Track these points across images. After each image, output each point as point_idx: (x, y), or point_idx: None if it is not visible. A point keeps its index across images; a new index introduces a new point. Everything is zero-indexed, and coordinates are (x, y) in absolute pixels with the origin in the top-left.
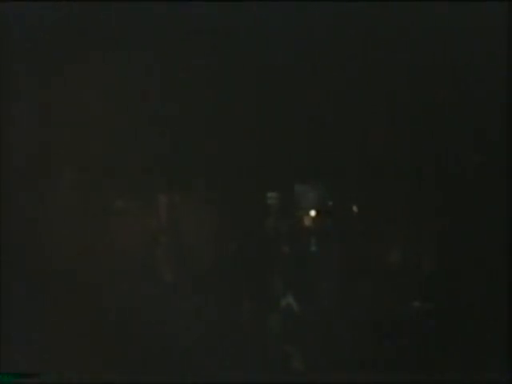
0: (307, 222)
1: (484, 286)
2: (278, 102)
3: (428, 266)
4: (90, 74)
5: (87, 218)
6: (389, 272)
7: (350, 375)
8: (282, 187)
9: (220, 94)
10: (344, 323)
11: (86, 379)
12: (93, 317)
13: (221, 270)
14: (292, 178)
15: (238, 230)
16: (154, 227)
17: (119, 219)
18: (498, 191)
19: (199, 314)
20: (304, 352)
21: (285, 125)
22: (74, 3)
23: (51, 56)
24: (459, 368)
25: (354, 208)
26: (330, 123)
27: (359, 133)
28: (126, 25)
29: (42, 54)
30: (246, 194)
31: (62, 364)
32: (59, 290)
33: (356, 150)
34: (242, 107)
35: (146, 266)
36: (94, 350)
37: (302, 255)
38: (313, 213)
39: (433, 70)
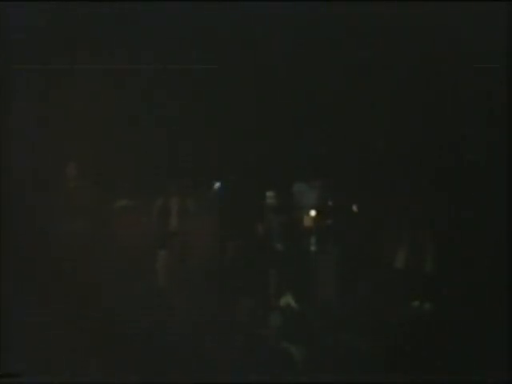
0: (307, 222)
1: (484, 286)
2: (278, 102)
3: (428, 265)
4: (88, 74)
5: (90, 218)
6: (389, 272)
7: (350, 375)
8: (281, 187)
9: (220, 94)
10: (343, 323)
11: (86, 379)
12: (94, 317)
13: (221, 269)
14: (292, 178)
15: (238, 229)
16: (153, 227)
17: (120, 219)
18: (498, 191)
19: (199, 314)
20: (303, 352)
21: (285, 125)
22: (74, 3)
23: (51, 56)
24: (459, 368)
25: (354, 208)
26: (330, 123)
27: (359, 133)
28: (127, 25)
29: (42, 55)
30: (246, 194)
31: (60, 364)
32: (61, 290)
33: (356, 149)
34: (242, 107)
35: (145, 266)
36: (94, 349)
37: (302, 255)
38: (313, 213)
39: (433, 69)
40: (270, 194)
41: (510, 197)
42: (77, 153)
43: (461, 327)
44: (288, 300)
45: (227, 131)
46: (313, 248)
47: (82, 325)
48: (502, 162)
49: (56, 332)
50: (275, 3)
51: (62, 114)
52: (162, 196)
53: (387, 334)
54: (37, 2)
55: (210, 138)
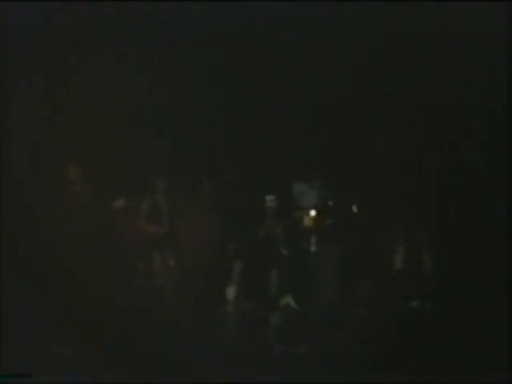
0: (307, 222)
1: (484, 286)
2: (277, 103)
3: (428, 265)
4: (86, 76)
5: (90, 218)
6: (389, 272)
7: (350, 375)
8: (281, 187)
9: (219, 94)
10: (344, 323)
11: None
12: (93, 316)
13: (221, 269)
14: (292, 178)
15: (238, 230)
16: (154, 228)
17: (120, 219)
18: (498, 191)
19: (199, 313)
20: (303, 352)
21: (285, 125)
22: (75, 3)
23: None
24: (459, 368)
25: (354, 208)
26: (330, 123)
27: (359, 133)
28: (127, 25)
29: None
30: (246, 194)
31: (61, 364)
32: (61, 290)
33: (356, 149)
34: (242, 108)
35: (145, 266)
36: (94, 350)
37: (302, 255)
38: (313, 213)
39: (433, 69)
40: (269, 194)
41: (510, 197)
42: (75, 153)
43: (461, 327)
44: (288, 300)
45: (229, 131)
46: (312, 248)
47: (82, 325)
48: (502, 162)
49: (56, 333)
50: (279, 3)
51: (61, 114)
52: (162, 196)
53: (387, 334)
54: (37, 2)
55: (211, 137)
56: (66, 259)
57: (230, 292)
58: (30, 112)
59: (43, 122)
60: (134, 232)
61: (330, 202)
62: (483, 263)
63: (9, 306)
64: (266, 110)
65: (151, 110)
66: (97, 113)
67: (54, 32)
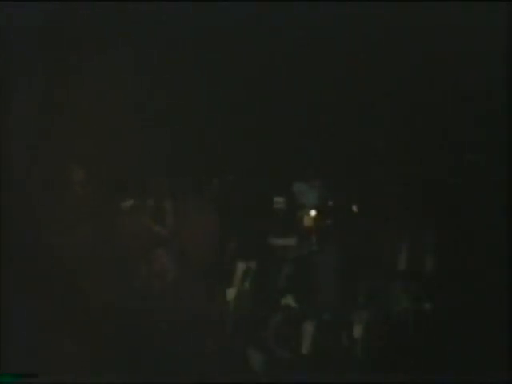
0: (307, 222)
1: (484, 286)
2: (278, 102)
3: (428, 265)
4: (86, 76)
5: (92, 219)
6: (389, 272)
7: (350, 375)
8: (281, 187)
9: (219, 94)
10: (344, 323)
11: (87, 379)
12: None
13: (220, 269)
14: (292, 178)
15: (239, 229)
16: (154, 228)
17: (121, 220)
18: (498, 191)
19: (199, 314)
20: (303, 352)
21: (285, 125)
22: (75, 3)
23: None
24: (459, 368)
25: (354, 208)
26: (330, 123)
27: (359, 132)
28: (127, 25)
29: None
30: (246, 194)
31: (62, 364)
32: (61, 290)
33: (356, 149)
34: (241, 107)
35: (146, 266)
36: (93, 350)
37: (302, 255)
38: (313, 213)
39: (433, 69)
40: (269, 194)
41: (510, 197)
42: (75, 153)
43: (461, 327)
44: (288, 300)
45: (228, 130)
46: (312, 248)
47: (83, 325)
48: (502, 162)
49: (56, 333)
50: (279, 3)
51: (61, 114)
52: (162, 196)
53: (387, 334)
54: (37, 2)
55: (211, 137)
56: (66, 259)
57: (231, 292)
58: (29, 112)
59: (43, 122)
60: (135, 232)
61: (330, 202)
62: (483, 263)
63: (9, 306)
64: (266, 110)
65: (151, 109)
66: (97, 113)
67: (54, 32)
